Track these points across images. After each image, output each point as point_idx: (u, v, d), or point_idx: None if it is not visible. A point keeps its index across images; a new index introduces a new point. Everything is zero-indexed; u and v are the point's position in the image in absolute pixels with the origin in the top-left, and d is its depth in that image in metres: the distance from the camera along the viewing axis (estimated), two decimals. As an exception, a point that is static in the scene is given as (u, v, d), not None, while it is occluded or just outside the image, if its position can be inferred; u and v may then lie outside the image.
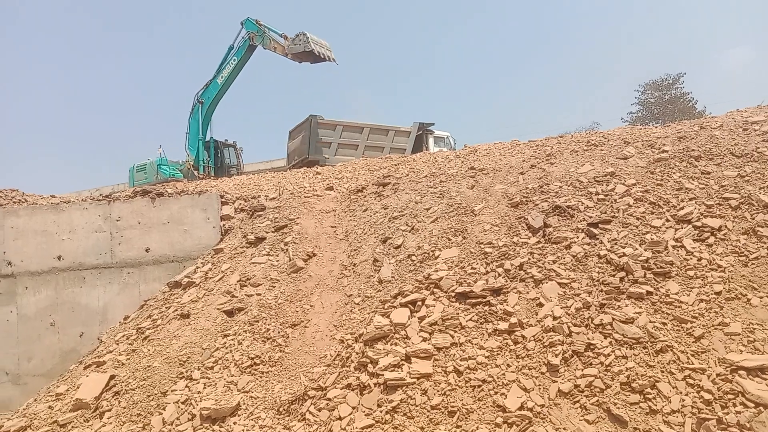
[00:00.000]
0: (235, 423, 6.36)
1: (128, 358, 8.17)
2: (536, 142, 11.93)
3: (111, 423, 6.98)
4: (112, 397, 7.43)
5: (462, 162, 11.51)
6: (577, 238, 7.50)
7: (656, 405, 5.34)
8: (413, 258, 8.29)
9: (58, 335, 10.52)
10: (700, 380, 5.41)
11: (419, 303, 7.16)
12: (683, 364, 5.62)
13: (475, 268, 7.52)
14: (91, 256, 10.80)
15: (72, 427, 7.24)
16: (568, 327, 6.21)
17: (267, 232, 10.13)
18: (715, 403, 5.19)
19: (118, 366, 8.08)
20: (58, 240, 10.83)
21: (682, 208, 7.58)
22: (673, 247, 6.98)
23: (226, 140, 24.36)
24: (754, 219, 7.16)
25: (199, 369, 7.34)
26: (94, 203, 11.11)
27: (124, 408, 7.14)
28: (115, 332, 9.59)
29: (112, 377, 7.78)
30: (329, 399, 6.27)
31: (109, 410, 7.20)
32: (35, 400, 8.50)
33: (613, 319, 6.15)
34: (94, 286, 10.69)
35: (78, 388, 7.80)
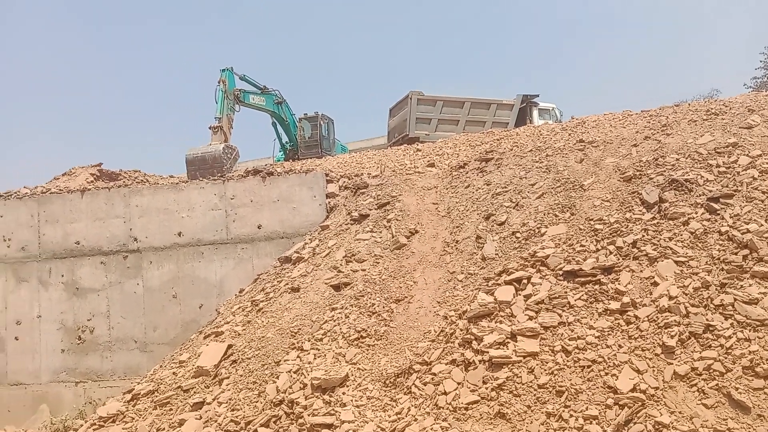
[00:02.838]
0: (344, 393, 6.59)
1: (244, 329, 8.64)
2: (650, 112, 11.30)
3: (229, 389, 7.44)
4: (230, 365, 7.91)
5: (569, 135, 11.13)
6: (696, 213, 7.09)
7: (784, 392, 5.03)
8: (518, 235, 8.16)
9: (180, 306, 11.30)
10: (836, 367, 5.03)
11: (524, 281, 7.07)
12: (816, 349, 5.24)
13: (584, 246, 7.31)
14: (208, 233, 11.46)
15: (194, 392, 7.79)
16: (685, 307, 5.93)
17: (370, 209, 10.30)
18: None
19: (234, 336, 8.58)
20: (178, 218, 11.57)
21: (817, 181, 6.97)
22: (805, 223, 6.46)
23: (305, 114, 21.01)
24: None
25: (309, 340, 7.64)
26: (210, 182, 11.75)
27: (241, 376, 7.59)
28: (231, 304, 10.16)
29: (229, 347, 8.28)
30: (434, 374, 6.37)
31: (227, 377, 7.67)
32: (161, 366, 9.20)
33: (735, 299, 5.82)
34: (212, 261, 11.36)
35: (199, 356, 8.36)
